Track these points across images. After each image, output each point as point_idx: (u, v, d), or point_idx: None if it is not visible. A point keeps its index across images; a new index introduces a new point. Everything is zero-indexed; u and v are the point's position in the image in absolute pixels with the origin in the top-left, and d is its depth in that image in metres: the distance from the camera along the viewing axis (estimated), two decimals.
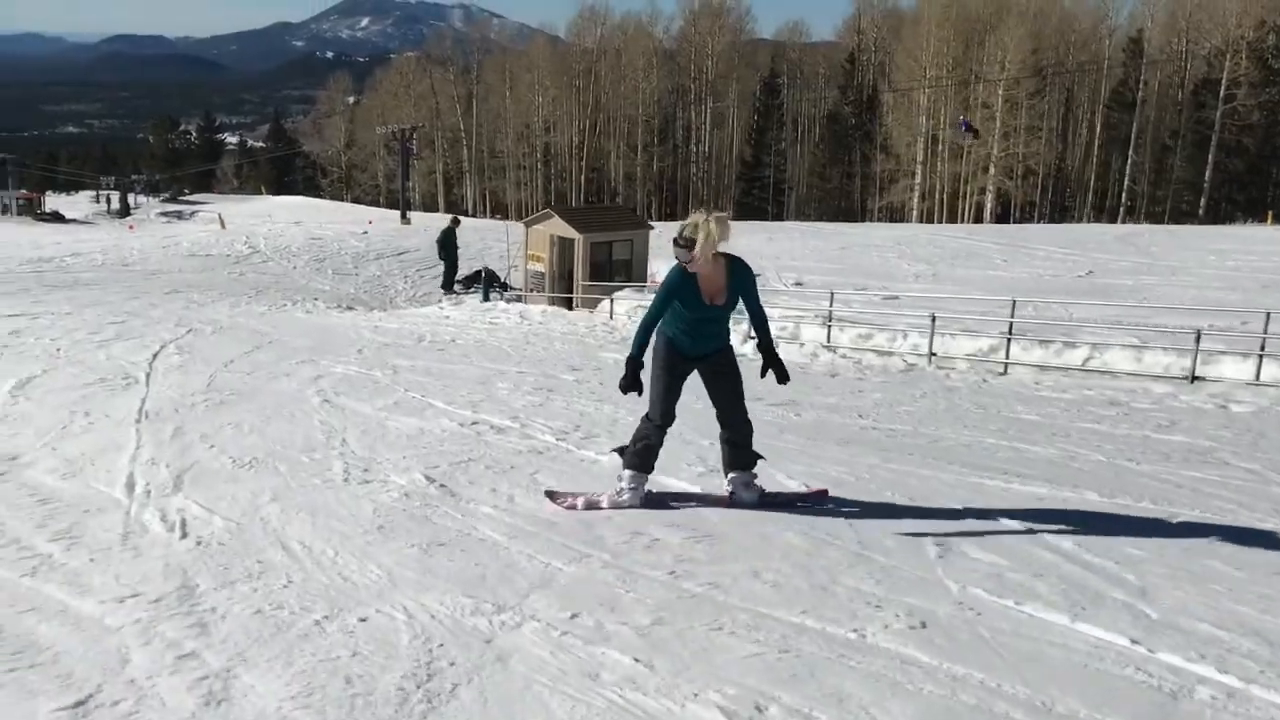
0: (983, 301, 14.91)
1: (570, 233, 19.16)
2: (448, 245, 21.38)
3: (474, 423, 7.01)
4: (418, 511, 4.85)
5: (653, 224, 21.23)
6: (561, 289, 19.73)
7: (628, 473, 5.01)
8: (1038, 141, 64.59)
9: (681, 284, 4.63)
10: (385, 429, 6.82)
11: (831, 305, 13.43)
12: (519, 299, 20.31)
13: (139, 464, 5.83)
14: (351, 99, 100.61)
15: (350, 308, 18.11)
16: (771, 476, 5.32)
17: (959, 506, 5.03)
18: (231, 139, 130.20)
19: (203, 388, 8.43)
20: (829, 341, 13.06)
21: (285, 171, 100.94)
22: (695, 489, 5.31)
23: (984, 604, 3.59)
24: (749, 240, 26.52)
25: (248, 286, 19.76)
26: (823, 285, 18.23)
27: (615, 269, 19.53)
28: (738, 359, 4.96)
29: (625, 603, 3.60)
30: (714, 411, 4.97)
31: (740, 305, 4.79)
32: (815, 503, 5.11)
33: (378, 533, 4.52)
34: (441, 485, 5.33)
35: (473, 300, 19.72)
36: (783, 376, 4.85)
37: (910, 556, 4.15)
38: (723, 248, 4.64)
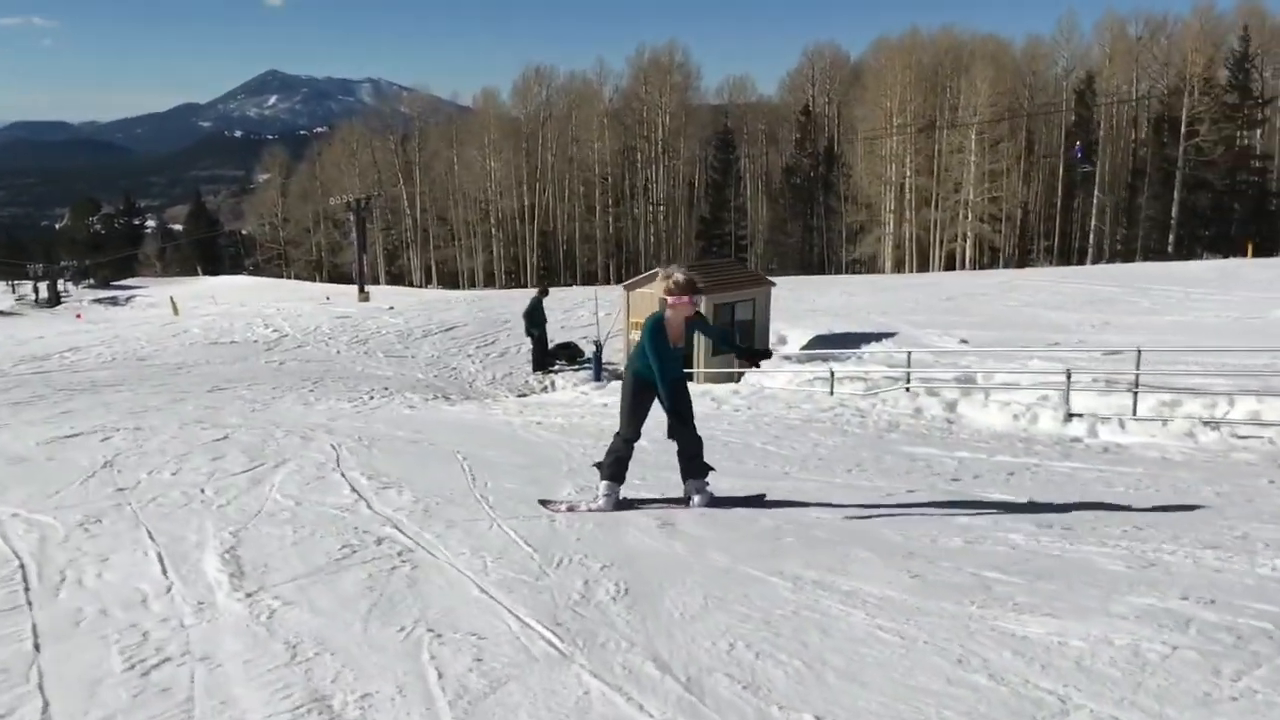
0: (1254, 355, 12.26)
1: None
2: (536, 318, 18.16)
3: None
4: None
5: (773, 280, 18.33)
6: None
7: (604, 483, 6.03)
8: (1021, 184, 63.72)
9: (657, 330, 5.79)
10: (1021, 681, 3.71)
11: (1138, 369, 10.58)
12: (618, 377, 17.18)
13: None
14: (264, 176, 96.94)
15: (446, 397, 14.80)
16: None
17: None
18: (151, 221, 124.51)
19: (524, 554, 5.22)
20: (1135, 414, 10.22)
21: (209, 252, 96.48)
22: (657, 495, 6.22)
23: None
24: (828, 298, 23.85)
25: (298, 377, 16.29)
26: (995, 341, 15.51)
27: (739, 332, 16.58)
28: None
29: None
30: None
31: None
32: (754, 504, 6.15)
33: None
34: None
35: (588, 380, 16.53)
36: (762, 353, 6.33)
37: None
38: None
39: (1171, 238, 66.43)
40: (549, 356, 18.41)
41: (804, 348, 16.75)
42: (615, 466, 6.02)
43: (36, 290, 63.86)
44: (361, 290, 54.37)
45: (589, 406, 12.38)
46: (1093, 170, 57.77)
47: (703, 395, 12.47)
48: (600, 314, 19.25)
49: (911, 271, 62.86)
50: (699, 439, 5.97)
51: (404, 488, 7.00)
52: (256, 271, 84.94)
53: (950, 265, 65.53)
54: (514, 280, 74.33)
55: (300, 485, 7.19)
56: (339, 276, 78.21)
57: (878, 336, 16.58)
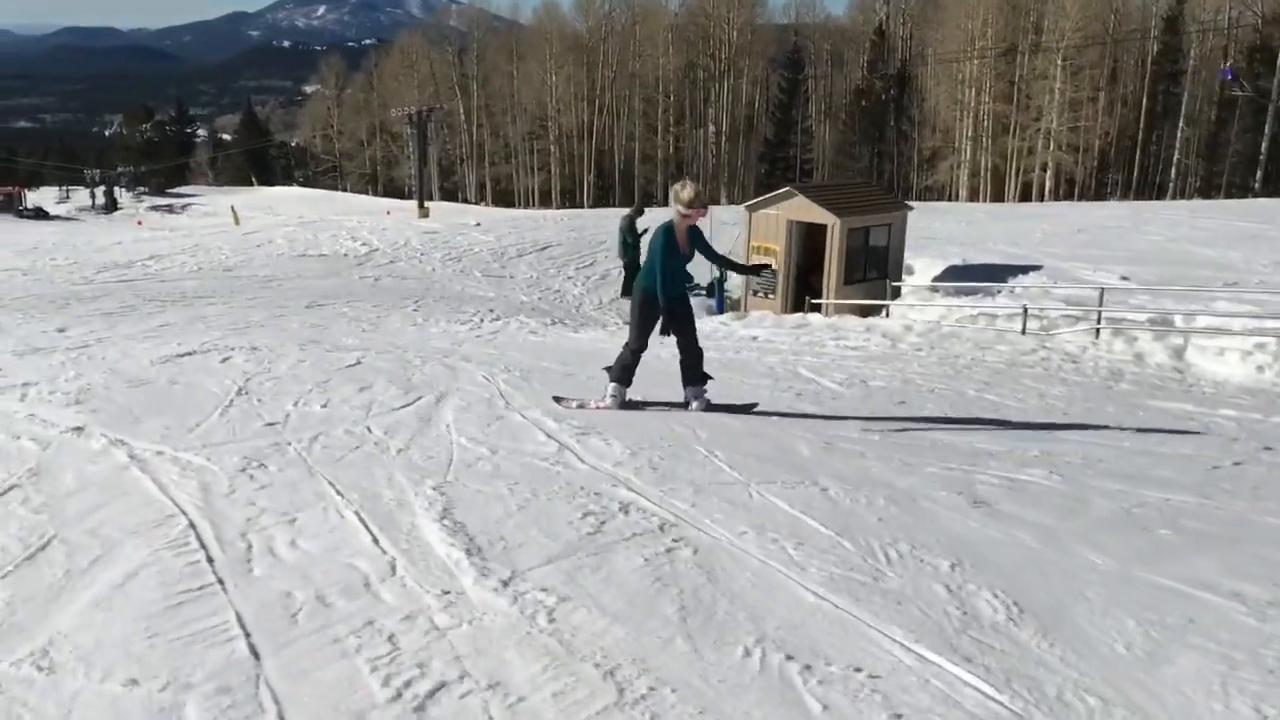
0: None
1: (822, 217, 14.85)
2: (633, 239, 16.70)
3: None
4: None
5: (910, 205, 16.91)
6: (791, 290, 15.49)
7: (612, 385, 6.54)
8: (1102, 113, 60.64)
9: (669, 235, 6.19)
10: None
11: None
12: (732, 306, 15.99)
13: None
14: (312, 89, 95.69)
15: (562, 322, 13.72)
16: None
17: None
18: (202, 130, 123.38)
19: (826, 539, 4.13)
20: None
21: (261, 162, 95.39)
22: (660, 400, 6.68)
23: None
24: (945, 225, 22.37)
25: (397, 295, 15.26)
26: (1160, 280, 14.09)
27: (870, 261, 15.28)
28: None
29: None
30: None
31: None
32: (746, 410, 6.64)
33: None
34: None
35: (702, 308, 15.31)
36: (758, 269, 8.25)
37: None
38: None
39: (1259, 174, 63.33)
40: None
41: (936, 279, 15.41)
42: (623, 372, 6.53)
43: (93, 196, 63.41)
44: (421, 205, 53.27)
45: (736, 339, 11.19)
46: (1249, 93, 54.15)
47: (869, 330, 11.28)
48: (711, 234, 17.85)
49: (985, 200, 60.62)
50: (700, 350, 6.50)
51: (605, 434, 5.90)
52: (308, 183, 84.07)
53: (1026, 195, 63.16)
54: (570, 200, 72.87)
55: (480, 427, 6.11)
56: (393, 190, 77.16)
57: (1023, 269, 15.17)
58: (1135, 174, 67.82)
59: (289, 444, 5.66)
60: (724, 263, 6.89)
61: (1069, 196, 62.60)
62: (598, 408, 6.44)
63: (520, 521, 4.33)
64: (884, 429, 6.22)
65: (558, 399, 6.62)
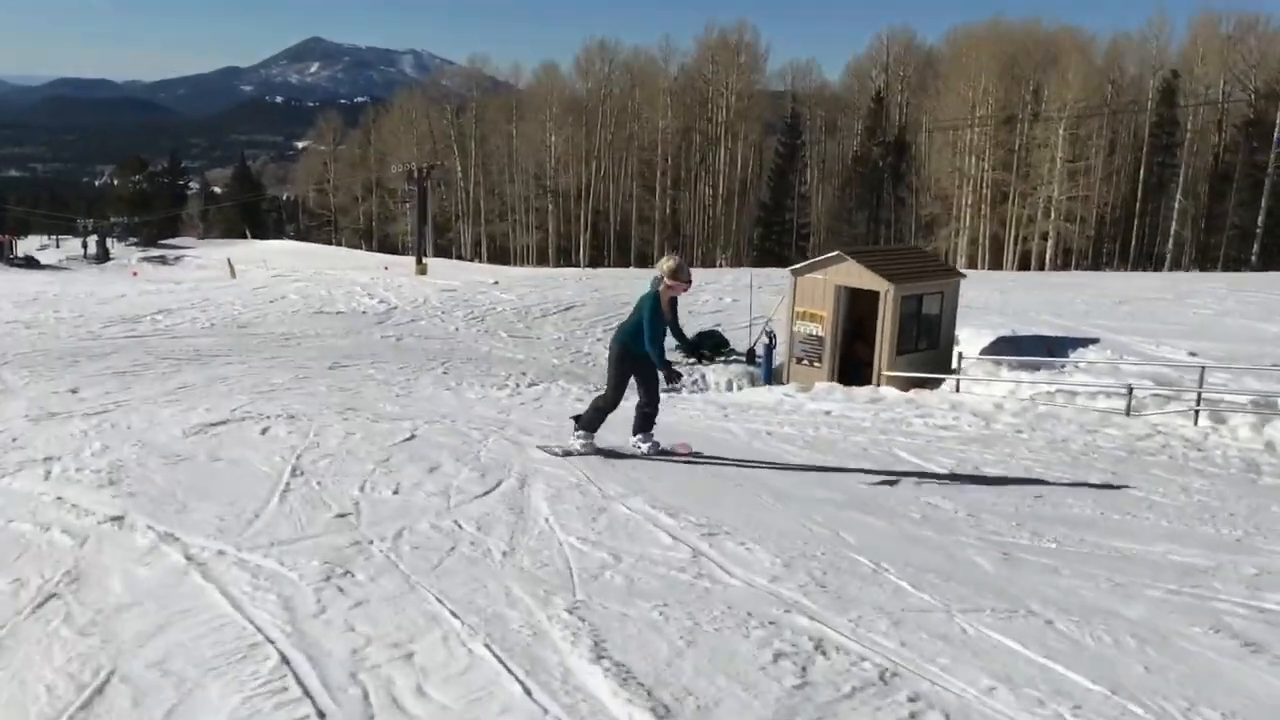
0: None
1: (874, 283, 14.13)
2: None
3: None
4: None
5: (963, 272, 16.24)
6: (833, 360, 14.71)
7: (582, 432, 7.19)
8: (1100, 183, 60.75)
9: (655, 303, 6.75)
10: None
11: None
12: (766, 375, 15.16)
13: None
14: (304, 144, 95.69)
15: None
16: None
17: None
18: (194, 183, 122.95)
19: (1097, 697, 3.33)
20: None
21: (252, 216, 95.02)
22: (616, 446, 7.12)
23: None
24: (979, 293, 21.70)
25: (422, 356, 14.40)
26: (1228, 356, 13.39)
27: (922, 331, 14.53)
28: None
29: None
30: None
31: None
32: (687, 455, 7.30)
33: None
34: None
35: (744, 376, 14.50)
36: (693, 346, 8.19)
37: None
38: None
39: (1256, 246, 63.54)
40: (689, 347, 16.40)
41: (984, 351, 14.68)
42: (595, 420, 7.17)
43: (85, 246, 62.55)
44: (419, 262, 52.57)
45: (807, 414, 10.32)
46: None
47: (956, 409, 10.45)
48: (751, 299, 17.13)
49: (984, 268, 60.41)
50: (658, 403, 7.23)
51: (737, 535, 5.05)
52: (299, 237, 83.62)
53: (1025, 264, 63.10)
54: (567, 259, 72.46)
55: (585, 522, 5.25)
56: (387, 246, 76.60)
57: (1080, 342, 14.47)
58: (1132, 244, 67.89)
59: (371, 543, 4.79)
60: (682, 338, 7.19)
61: (1066, 266, 62.55)
62: (579, 454, 7.00)
63: (697, 663, 3.46)
64: (1051, 533, 5.38)
65: (543, 448, 7.11)
